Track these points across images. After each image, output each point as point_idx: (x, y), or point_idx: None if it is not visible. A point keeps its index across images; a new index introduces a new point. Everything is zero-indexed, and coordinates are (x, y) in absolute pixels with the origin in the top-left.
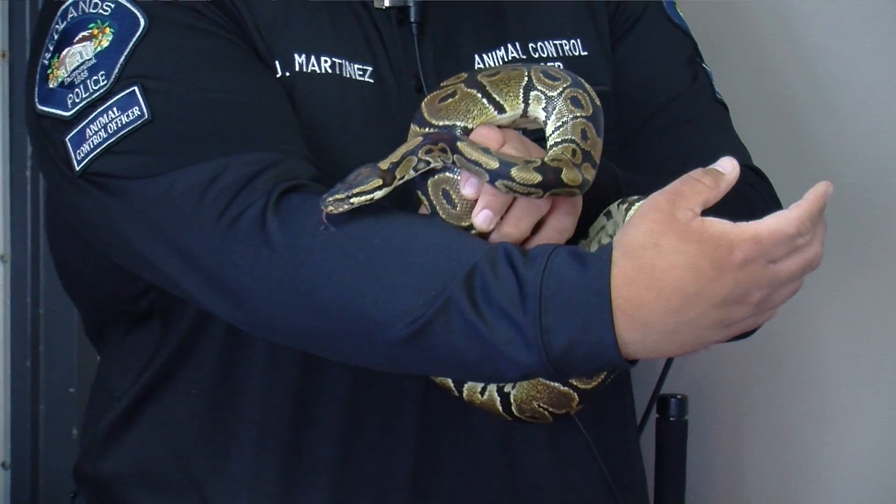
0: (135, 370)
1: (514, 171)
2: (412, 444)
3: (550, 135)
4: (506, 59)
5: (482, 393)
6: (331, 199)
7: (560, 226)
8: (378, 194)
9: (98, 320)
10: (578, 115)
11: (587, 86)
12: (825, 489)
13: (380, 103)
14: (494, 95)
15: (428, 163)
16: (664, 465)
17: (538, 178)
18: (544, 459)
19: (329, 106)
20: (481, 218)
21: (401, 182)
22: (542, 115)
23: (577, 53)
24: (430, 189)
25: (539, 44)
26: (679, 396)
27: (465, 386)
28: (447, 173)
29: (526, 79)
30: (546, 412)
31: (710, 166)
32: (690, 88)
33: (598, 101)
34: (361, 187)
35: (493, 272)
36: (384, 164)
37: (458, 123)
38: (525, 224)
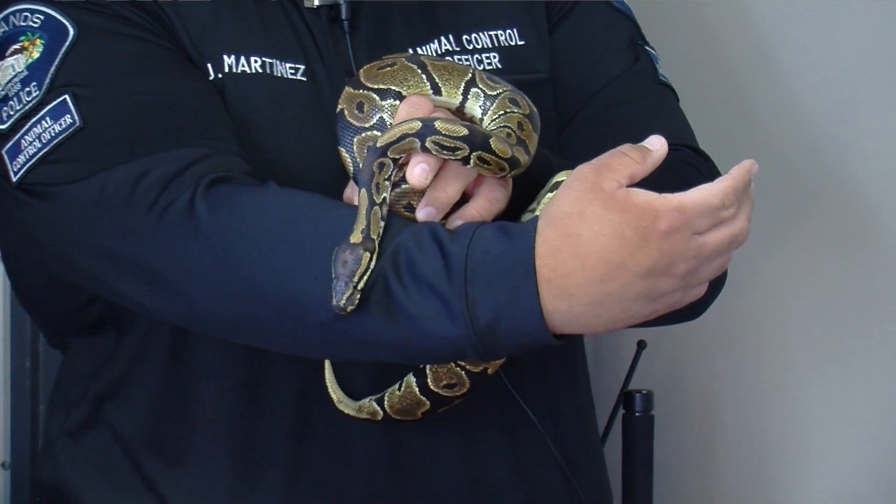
0: (88, 376)
1: (438, 124)
2: (366, 439)
3: (486, 126)
4: (440, 52)
5: (399, 387)
6: (342, 301)
7: (492, 195)
8: (373, 264)
9: (57, 331)
10: (516, 111)
11: (525, 96)
12: (795, 482)
13: (313, 101)
14: (434, 76)
15: (385, 198)
16: (631, 461)
17: (464, 131)
18: (501, 453)
19: (260, 105)
20: (418, 171)
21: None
22: (478, 112)
23: (513, 43)
24: (355, 147)
25: (473, 35)
26: (644, 392)
27: (386, 395)
28: (374, 132)
29: (470, 75)
30: (462, 372)
31: (639, 143)
32: (631, 71)
33: (534, 108)
34: (360, 271)
35: (419, 248)
36: (356, 237)
37: (394, 88)
38: (453, 189)
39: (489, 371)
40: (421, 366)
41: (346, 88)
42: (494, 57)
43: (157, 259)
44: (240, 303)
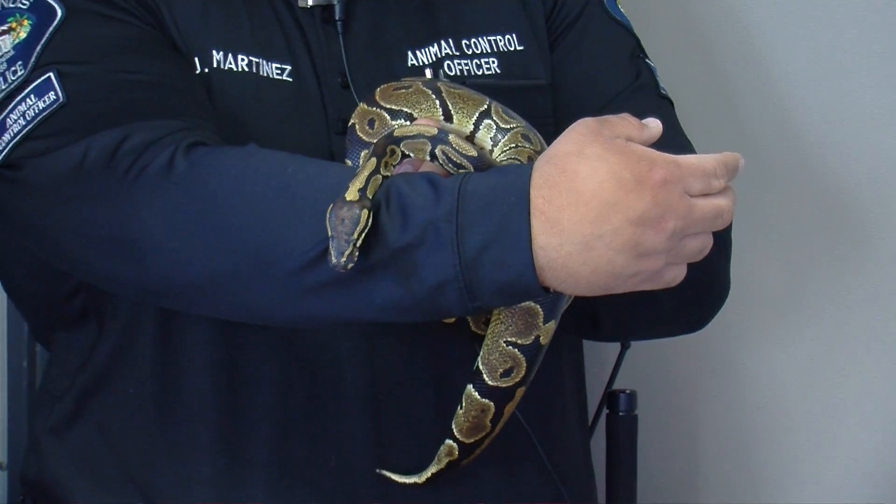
0: (72, 371)
1: (452, 137)
2: (350, 435)
3: (497, 158)
4: (439, 56)
5: (461, 405)
6: (343, 259)
7: None
8: (370, 220)
9: (41, 323)
10: (527, 146)
11: (538, 134)
12: (780, 481)
13: (297, 102)
14: (448, 103)
15: (387, 176)
16: (615, 460)
17: (474, 152)
18: (486, 451)
19: (245, 104)
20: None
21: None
22: (488, 143)
23: (512, 48)
24: (361, 161)
25: (473, 40)
26: (628, 391)
27: (452, 424)
28: None
29: (485, 106)
30: (514, 350)
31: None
32: (633, 85)
33: (546, 146)
34: (358, 227)
35: (409, 184)
36: (352, 195)
37: (405, 109)
38: None
39: (542, 340)
40: (474, 367)
41: (361, 105)
42: (493, 62)
43: (130, 222)
44: (212, 254)
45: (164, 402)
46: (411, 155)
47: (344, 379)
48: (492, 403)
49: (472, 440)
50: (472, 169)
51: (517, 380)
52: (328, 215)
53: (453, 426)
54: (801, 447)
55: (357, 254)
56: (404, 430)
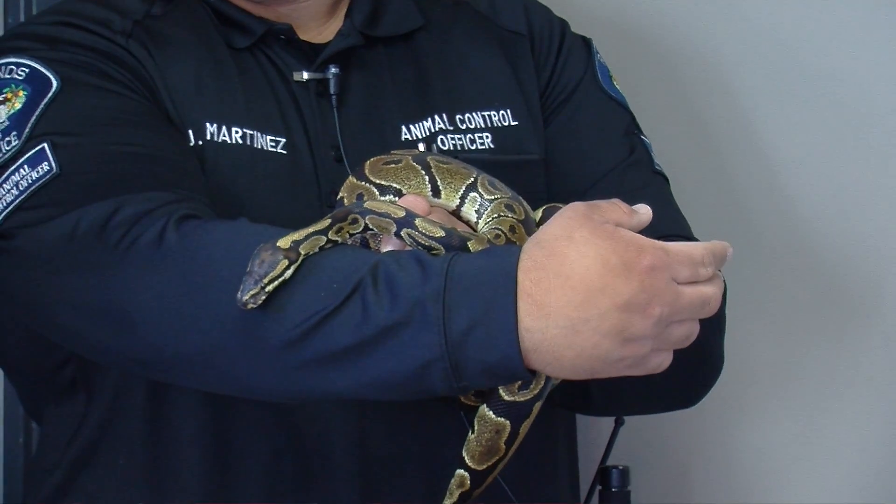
0: (62, 444)
1: (418, 221)
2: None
3: (481, 230)
4: (433, 130)
5: (473, 429)
6: (247, 297)
7: None
8: (288, 273)
9: (33, 394)
10: (510, 216)
11: (524, 202)
12: None
13: (291, 174)
14: (437, 178)
15: (336, 241)
16: None
17: (441, 232)
18: None
19: (239, 176)
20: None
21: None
22: (473, 216)
23: (506, 124)
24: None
25: (467, 115)
26: (621, 467)
27: (463, 452)
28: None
29: (472, 179)
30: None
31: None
32: (627, 161)
33: (531, 214)
34: (272, 275)
35: (397, 263)
36: (285, 243)
37: (395, 185)
38: None
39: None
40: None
41: (350, 178)
42: (487, 137)
43: (121, 293)
44: (203, 329)
45: (154, 474)
46: (375, 229)
47: (333, 451)
48: (507, 422)
49: (484, 466)
50: (442, 249)
51: (535, 392)
52: (254, 252)
53: (464, 454)
54: None
55: (262, 298)
56: (393, 502)
